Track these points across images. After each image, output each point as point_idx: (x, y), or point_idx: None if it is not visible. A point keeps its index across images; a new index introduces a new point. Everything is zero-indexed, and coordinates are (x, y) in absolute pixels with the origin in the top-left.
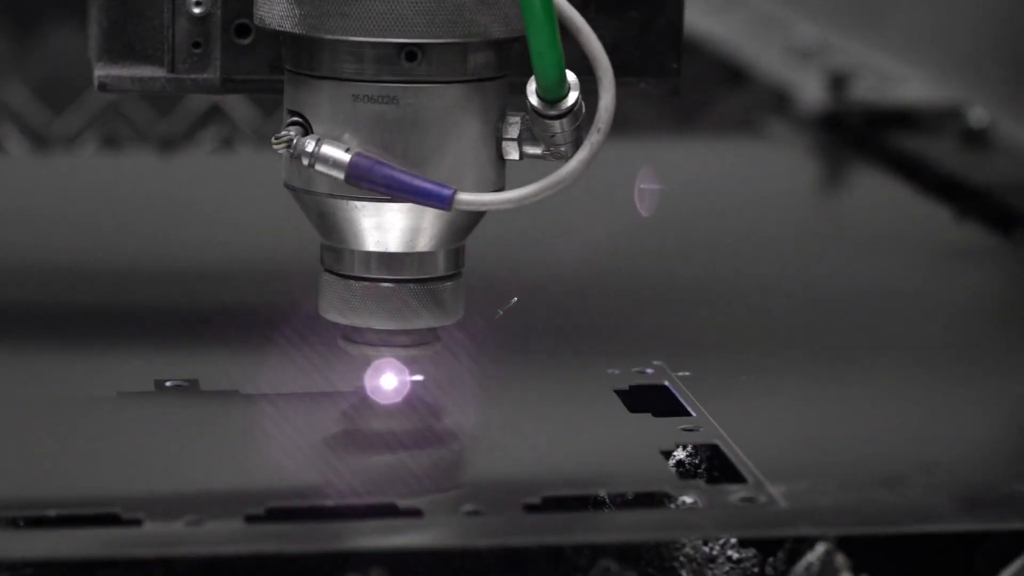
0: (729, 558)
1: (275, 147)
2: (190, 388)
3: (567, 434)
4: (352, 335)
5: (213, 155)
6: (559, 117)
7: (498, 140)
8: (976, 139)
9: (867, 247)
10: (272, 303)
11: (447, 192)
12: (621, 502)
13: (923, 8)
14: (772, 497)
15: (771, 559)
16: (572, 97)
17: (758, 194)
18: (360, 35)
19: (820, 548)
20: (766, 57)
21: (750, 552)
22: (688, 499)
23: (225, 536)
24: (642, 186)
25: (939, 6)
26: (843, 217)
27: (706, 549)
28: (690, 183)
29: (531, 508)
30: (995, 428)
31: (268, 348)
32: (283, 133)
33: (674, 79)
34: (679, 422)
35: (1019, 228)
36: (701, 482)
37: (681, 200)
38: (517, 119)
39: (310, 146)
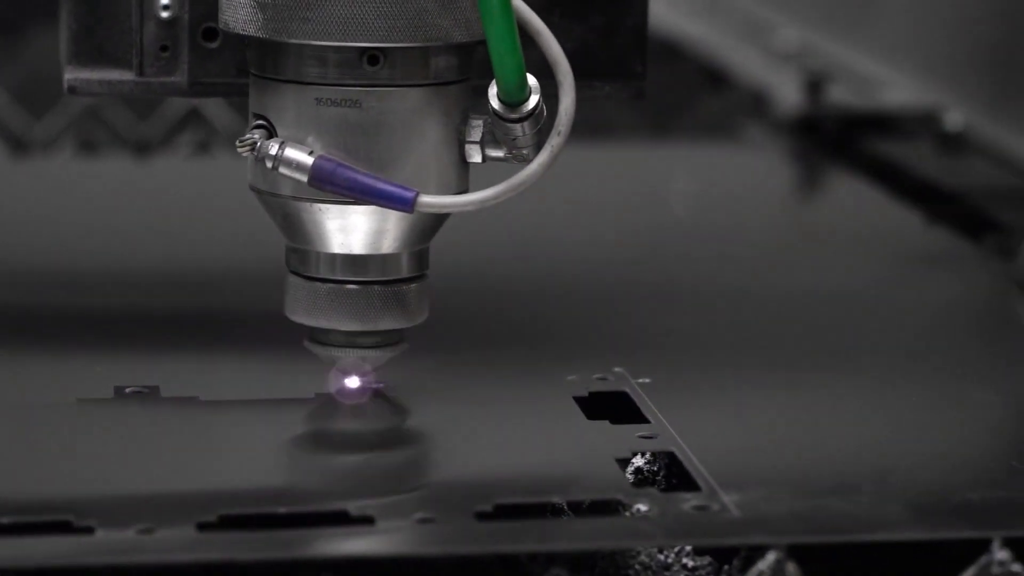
0: (684, 566)
1: (239, 150)
2: (150, 394)
3: (523, 441)
4: (318, 336)
5: (189, 160)
6: (520, 120)
7: (461, 143)
8: (952, 143)
9: (838, 252)
10: (247, 308)
11: (409, 195)
12: (576, 509)
13: (906, 12)
14: (725, 505)
15: (726, 567)
16: (533, 100)
17: (733, 199)
18: (322, 39)
19: (771, 557)
20: (746, 61)
21: (705, 560)
22: (643, 507)
23: (176, 544)
24: (679, 187)
25: (922, 10)
26: (816, 222)
27: (661, 557)
28: (665, 187)
29: (483, 516)
30: (952, 436)
31: (238, 353)
32: (247, 136)
33: (639, 82)
34: (636, 429)
35: (988, 233)
36: (655, 490)
37: (654, 205)
38: (479, 122)
39: (274, 149)
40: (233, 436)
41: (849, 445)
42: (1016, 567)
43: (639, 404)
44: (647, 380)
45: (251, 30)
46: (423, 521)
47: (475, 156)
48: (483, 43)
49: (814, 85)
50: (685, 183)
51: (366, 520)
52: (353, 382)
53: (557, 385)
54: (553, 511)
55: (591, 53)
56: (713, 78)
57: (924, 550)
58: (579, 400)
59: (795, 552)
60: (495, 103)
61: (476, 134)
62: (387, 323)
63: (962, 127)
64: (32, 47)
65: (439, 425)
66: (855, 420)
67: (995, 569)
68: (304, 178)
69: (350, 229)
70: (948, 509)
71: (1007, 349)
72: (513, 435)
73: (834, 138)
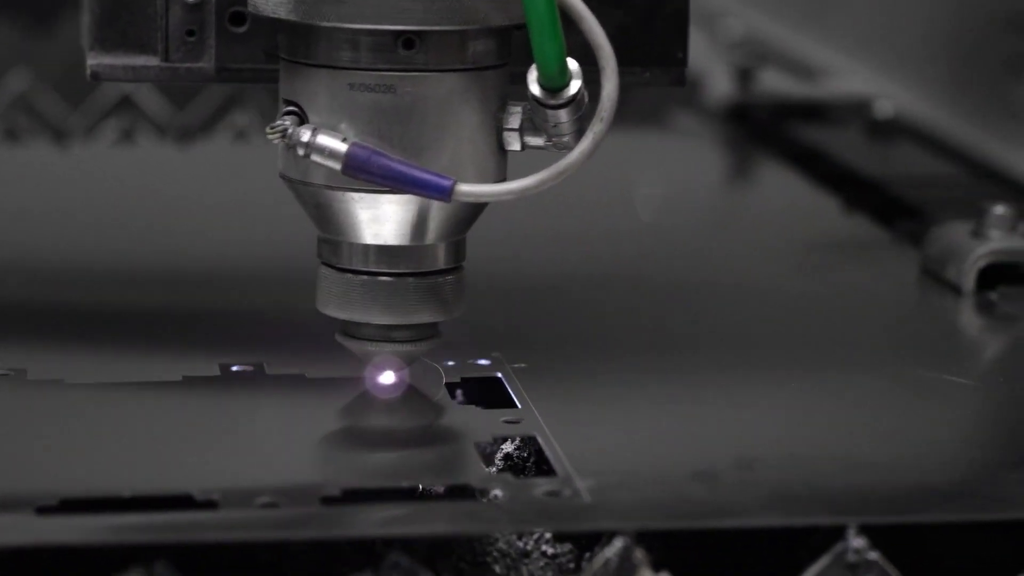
0: (544, 553)
1: (270, 137)
2: (14, 378)
3: (383, 425)
4: (350, 330)
5: (114, 147)
6: (561, 106)
7: (499, 130)
8: (882, 131)
9: (755, 240)
10: (147, 298)
11: (446, 183)
12: (430, 495)
13: (859, 5)
14: (577, 491)
15: (587, 554)
16: (574, 86)
17: (659, 187)
18: (357, 22)
19: (618, 543)
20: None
21: (566, 547)
22: (498, 492)
23: (15, 528)
24: (643, 191)
25: (881, 1)
26: (738, 209)
27: (520, 544)
28: (593, 175)
29: (329, 500)
30: (826, 423)
31: (117, 338)
32: (278, 123)
33: (680, 68)
34: (503, 414)
35: (902, 220)
36: (509, 475)
37: (580, 192)
38: (518, 109)
39: (306, 136)
40: (86, 419)
41: (717, 433)
42: (872, 555)
43: (510, 389)
44: (523, 365)
45: (282, 13)
46: (267, 506)
47: (513, 144)
48: (522, 27)
49: (745, 73)
50: (648, 187)
51: (210, 504)
52: (387, 378)
53: (429, 370)
54: (420, 496)
55: (631, 38)
56: None
57: (778, 537)
58: (452, 385)
59: (645, 539)
60: (535, 89)
61: (515, 121)
62: (422, 316)
63: (892, 115)
64: None
65: (303, 408)
66: (728, 408)
67: (850, 557)
68: (337, 166)
69: (384, 219)
70: (807, 496)
71: (901, 336)
72: (374, 420)
73: (765, 126)
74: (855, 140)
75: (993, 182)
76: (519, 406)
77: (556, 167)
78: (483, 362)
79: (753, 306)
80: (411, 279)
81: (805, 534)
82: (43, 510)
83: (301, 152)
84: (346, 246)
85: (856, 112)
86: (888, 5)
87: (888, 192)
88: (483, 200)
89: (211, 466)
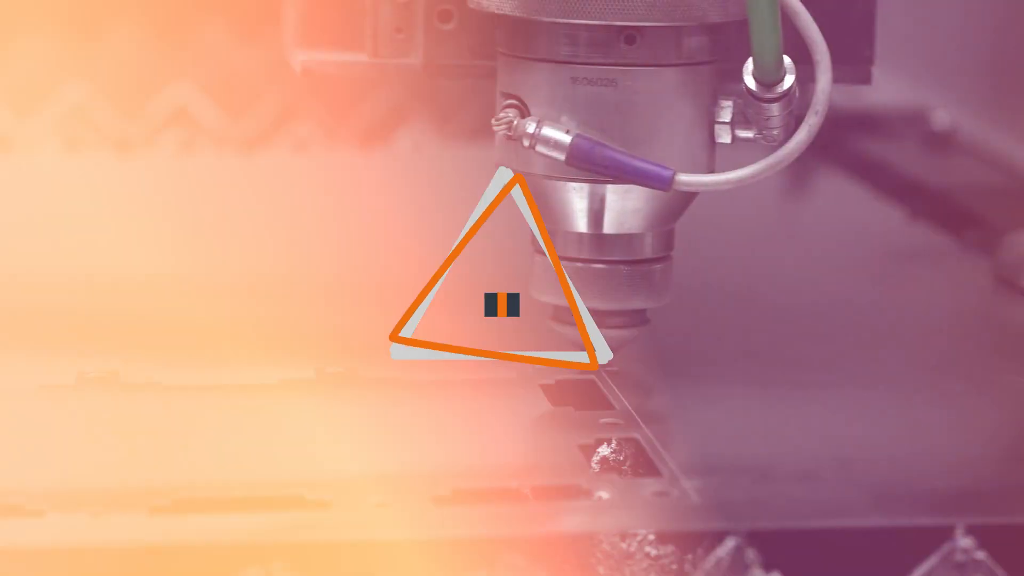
0: (647, 555)
1: (495, 129)
2: (109, 380)
3: (486, 427)
4: (563, 316)
5: (174, 158)
6: (774, 100)
7: (710, 124)
8: (938, 142)
9: (822, 248)
10: (228, 305)
11: (667, 173)
12: (536, 495)
13: (903, 14)
14: (685, 491)
15: (689, 555)
16: (788, 81)
17: (720, 197)
18: (581, 18)
19: (730, 543)
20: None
21: (668, 548)
22: (604, 493)
23: (129, 527)
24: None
25: (919, 12)
26: (802, 221)
27: (623, 546)
28: None
29: (440, 500)
30: (919, 425)
31: (205, 344)
32: (502, 115)
33: (867, 67)
34: (601, 416)
35: (970, 228)
36: (616, 476)
37: None
38: (729, 103)
39: (531, 128)
40: (191, 421)
41: (814, 434)
42: (979, 555)
43: (605, 391)
44: (615, 369)
45: (507, 9)
46: (380, 505)
47: (724, 136)
48: (732, 25)
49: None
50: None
51: (322, 504)
52: None
53: (523, 373)
54: (518, 498)
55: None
56: None
57: (885, 537)
58: (546, 388)
59: (754, 538)
60: (751, 83)
61: (727, 115)
62: (634, 303)
63: (949, 126)
64: None
65: (403, 410)
66: (822, 410)
67: (959, 556)
68: (562, 157)
69: (599, 208)
70: (911, 496)
71: (984, 342)
72: (476, 422)
73: (822, 137)
74: (913, 151)
75: None
76: (616, 408)
77: (773, 157)
78: None
79: (829, 312)
80: (623, 267)
81: (912, 534)
82: (157, 510)
83: (526, 143)
84: (561, 235)
85: (912, 123)
86: (936, 19)
87: (952, 202)
88: (702, 189)
89: (319, 466)
